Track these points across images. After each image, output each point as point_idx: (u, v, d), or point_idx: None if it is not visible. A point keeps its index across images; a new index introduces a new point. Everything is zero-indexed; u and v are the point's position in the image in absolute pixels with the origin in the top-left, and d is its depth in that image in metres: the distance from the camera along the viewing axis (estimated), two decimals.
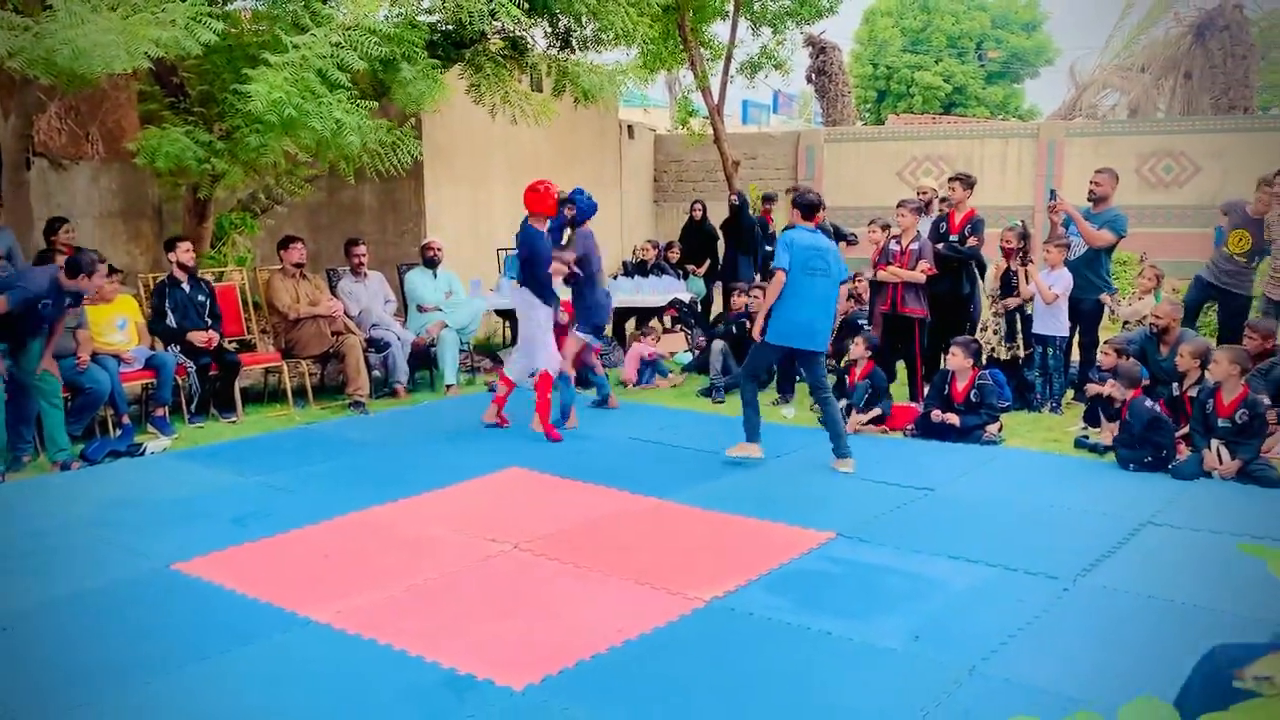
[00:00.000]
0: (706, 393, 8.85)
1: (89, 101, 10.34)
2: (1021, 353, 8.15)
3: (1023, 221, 8.92)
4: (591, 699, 3.42)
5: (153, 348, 7.66)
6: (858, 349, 7.57)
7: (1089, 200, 8.14)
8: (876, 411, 7.44)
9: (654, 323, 11.11)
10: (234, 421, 7.81)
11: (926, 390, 7.72)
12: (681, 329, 10.82)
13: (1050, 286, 7.74)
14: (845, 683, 3.56)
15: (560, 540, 5.03)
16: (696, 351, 9.96)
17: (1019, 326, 8.16)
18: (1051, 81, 56.75)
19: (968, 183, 8.40)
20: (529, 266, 7.27)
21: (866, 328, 8.93)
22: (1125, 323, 8.14)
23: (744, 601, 4.25)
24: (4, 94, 8.69)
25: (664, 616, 4.08)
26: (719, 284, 11.99)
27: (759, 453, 6.49)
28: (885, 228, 8.89)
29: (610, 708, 3.36)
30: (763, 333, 6.32)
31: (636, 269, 12.09)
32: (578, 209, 7.66)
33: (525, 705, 3.39)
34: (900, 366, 8.29)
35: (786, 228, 6.70)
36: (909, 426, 7.28)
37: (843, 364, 8.18)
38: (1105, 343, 7.49)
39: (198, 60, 7.64)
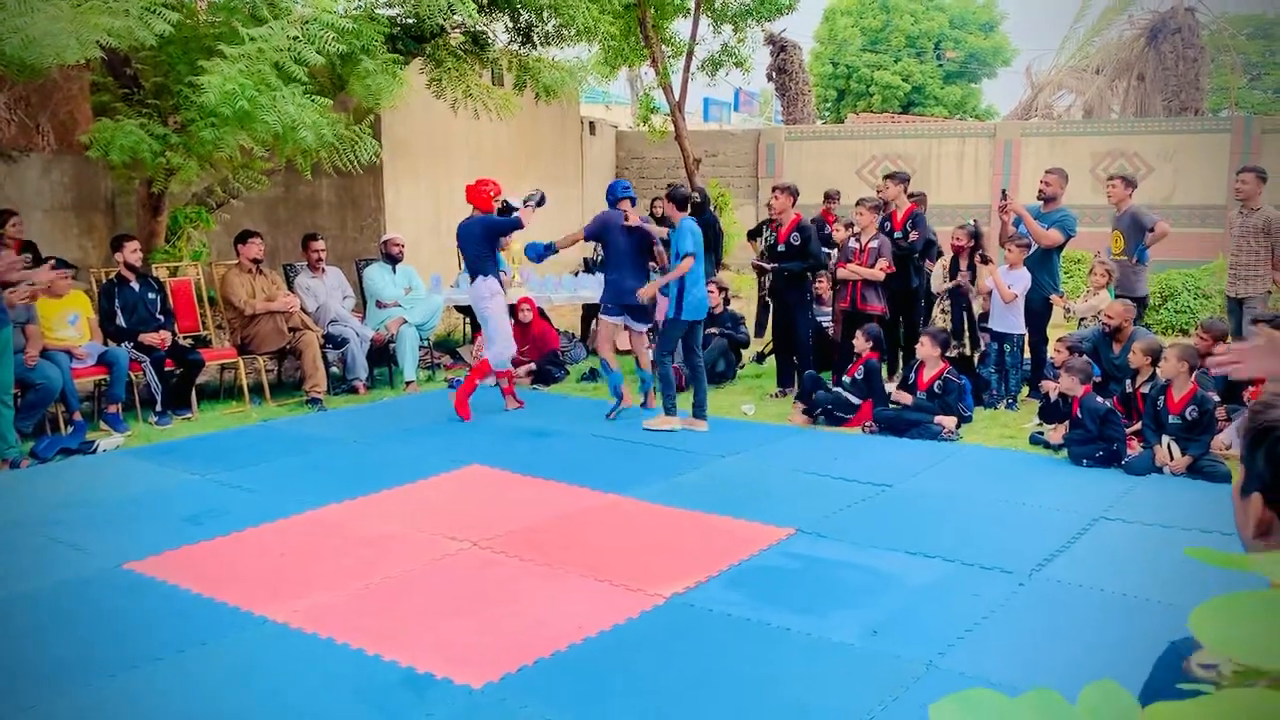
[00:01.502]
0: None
1: (39, 92, 10.14)
2: (968, 350, 8.26)
3: (975, 220, 9.02)
4: (551, 697, 3.41)
5: (105, 344, 7.53)
6: (860, 342, 7.60)
7: (1039, 199, 8.24)
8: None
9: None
10: (188, 419, 7.70)
11: (890, 386, 7.80)
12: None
13: (1010, 286, 7.83)
14: (803, 678, 3.58)
15: (520, 537, 5.02)
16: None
17: (965, 325, 8.27)
18: (1008, 82, 57.62)
19: (901, 179, 8.57)
20: (486, 244, 7.59)
21: (826, 325, 9.00)
22: (1081, 319, 8.25)
23: (703, 598, 4.26)
24: None
25: (624, 613, 4.08)
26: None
27: (679, 424, 7.26)
28: (849, 226, 8.98)
29: (570, 705, 3.35)
30: (678, 311, 7.17)
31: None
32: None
33: (484, 703, 3.37)
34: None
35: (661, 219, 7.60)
36: (868, 423, 7.34)
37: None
38: (1058, 340, 7.59)
39: (152, 51, 7.52)
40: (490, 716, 3.30)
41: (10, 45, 6.16)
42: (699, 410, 7.36)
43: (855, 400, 7.47)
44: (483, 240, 7.57)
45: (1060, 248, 8.17)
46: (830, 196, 11.71)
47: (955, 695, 1.12)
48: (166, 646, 3.79)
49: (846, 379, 7.59)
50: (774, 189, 8.35)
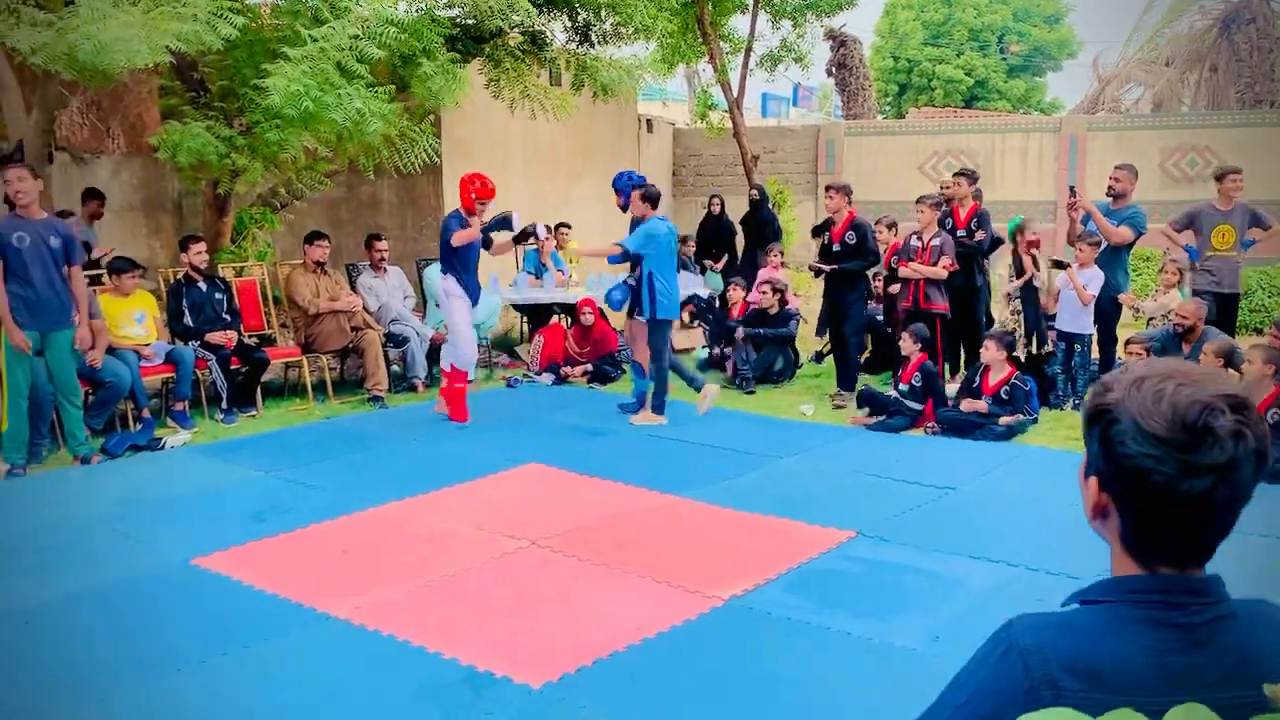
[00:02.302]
0: (731, 384, 8.83)
1: (110, 96, 10.39)
2: (1035, 350, 8.09)
3: (1024, 217, 8.90)
4: (609, 698, 3.40)
5: (172, 342, 7.68)
6: (908, 344, 7.48)
7: (1108, 196, 8.05)
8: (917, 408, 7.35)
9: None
10: (254, 416, 7.84)
11: (952, 387, 7.68)
12: (699, 324, 10.78)
13: (1084, 286, 7.64)
14: (864, 683, 3.53)
15: (578, 537, 5.02)
16: (713, 348, 9.91)
17: (1034, 325, 8.11)
18: (1074, 75, 56.48)
19: (972, 178, 8.40)
20: (446, 243, 7.37)
21: (877, 319, 8.88)
22: (1149, 319, 8.06)
23: (763, 600, 4.22)
24: (27, 89, 8.73)
25: (682, 615, 4.06)
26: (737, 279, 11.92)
27: (664, 420, 7.43)
28: (891, 226, 8.85)
29: (629, 707, 3.34)
30: (653, 312, 7.35)
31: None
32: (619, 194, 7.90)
33: (543, 703, 3.38)
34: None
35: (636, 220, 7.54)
36: (930, 424, 7.23)
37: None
38: (1128, 341, 7.41)
39: (218, 55, 7.66)
40: (550, 716, 3.30)
41: (83, 52, 6.31)
42: (659, 407, 7.55)
43: (916, 407, 7.34)
44: (445, 239, 7.33)
45: (1130, 245, 7.98)
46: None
47: (1036, 715, 1.09)
48: (232, 641, 3.85)
49: (903, 386, 7.46)
50: (827, 188, 8.26)
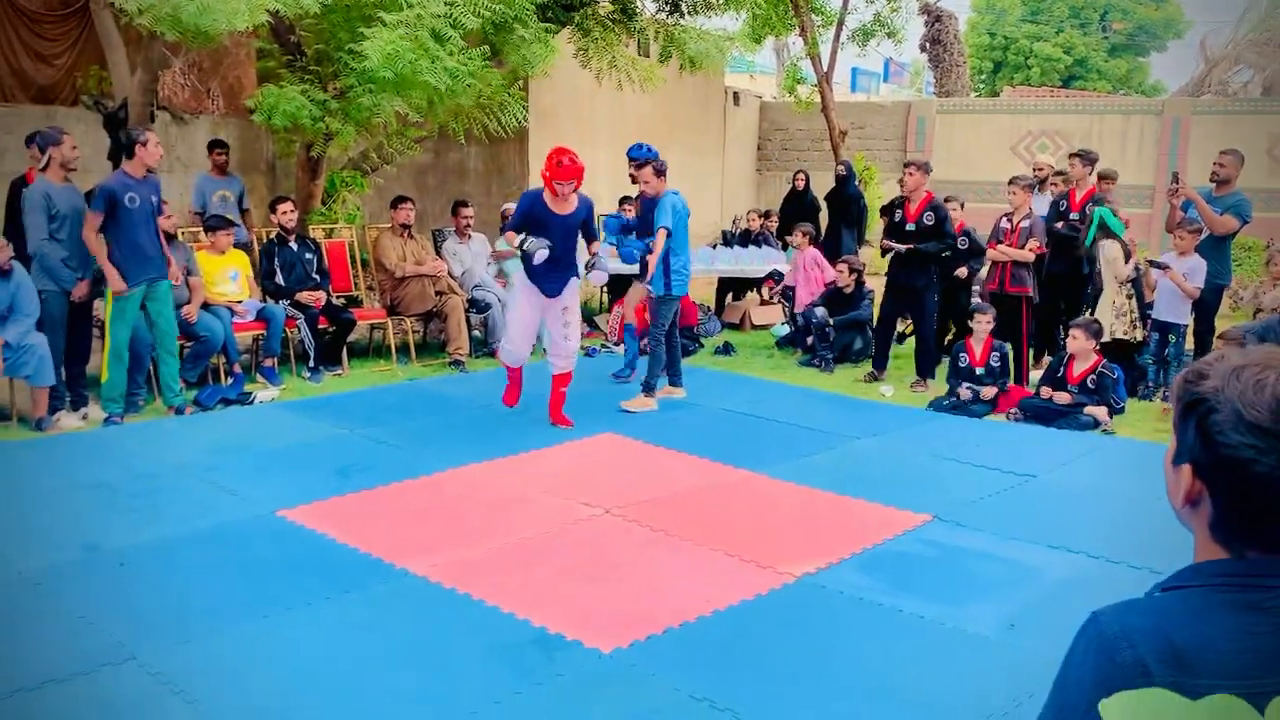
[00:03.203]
0: (809, 363, 8.77)
1: (210, 58, 10.66)
2: (1140, 337, 7.84)
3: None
4: (678, 667, 3.44)
5: (263, 300, 7.89)
6: (982, 324, 7.32)
7: (1211, 182, 7.77)
8: (993, 391, 7.20)
9: (751, 294, 11.03)
10: (339, 375, 8.03)
11: (1037, 373, 7.53)
12: (779, 301, 10.71)
13: (1185, 275, 7.39)
14: (936, 667, 3.50)
15: (651, 507, 5.05)
16: (792, 325, 9.85)
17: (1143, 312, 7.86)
18: (1180, 56, 54.39)
19: (1088, 159, 8.09)
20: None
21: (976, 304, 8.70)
22: (1257, 311, 7.76)
23: (835, 579, 4.21)
24: (132, 49, 9.00)
25: (753, 589, 4.07)
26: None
27: (655, 403, 7.15)
28: (960, 206, 8.65)
29: (697, 676, 3.37)
30: (666, 288, 7.09)
31: (738, 239, 12.00)
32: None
33: (612, 668, 3.42)
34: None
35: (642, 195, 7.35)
36: (1013, 410, 7.09)
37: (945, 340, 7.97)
38: (1219, 335, 7.15)
39: (315, 19, 7.79)
40: (618, 681, 3.35)
41: (187, 14, 6.48)
42: (675, 378, 7.46)
43: (990, 389, 7.18)
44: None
45: (1233, 235, 7.70)
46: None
47: (1128, 694, 1.08)
48: (314, 592, 3.98)
49: (979, 369, 7.31)
50: (906, 164, 7.99)
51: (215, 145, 9.00)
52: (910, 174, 7.78)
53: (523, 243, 6.11)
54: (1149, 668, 1.11)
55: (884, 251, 8.14)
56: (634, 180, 7.46)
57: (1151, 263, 7.82)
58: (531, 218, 6.29)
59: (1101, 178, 8.31)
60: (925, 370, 8.00)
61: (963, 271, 8.43)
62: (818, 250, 9.96)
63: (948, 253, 8.14)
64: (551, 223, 6.25)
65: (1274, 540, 1.15)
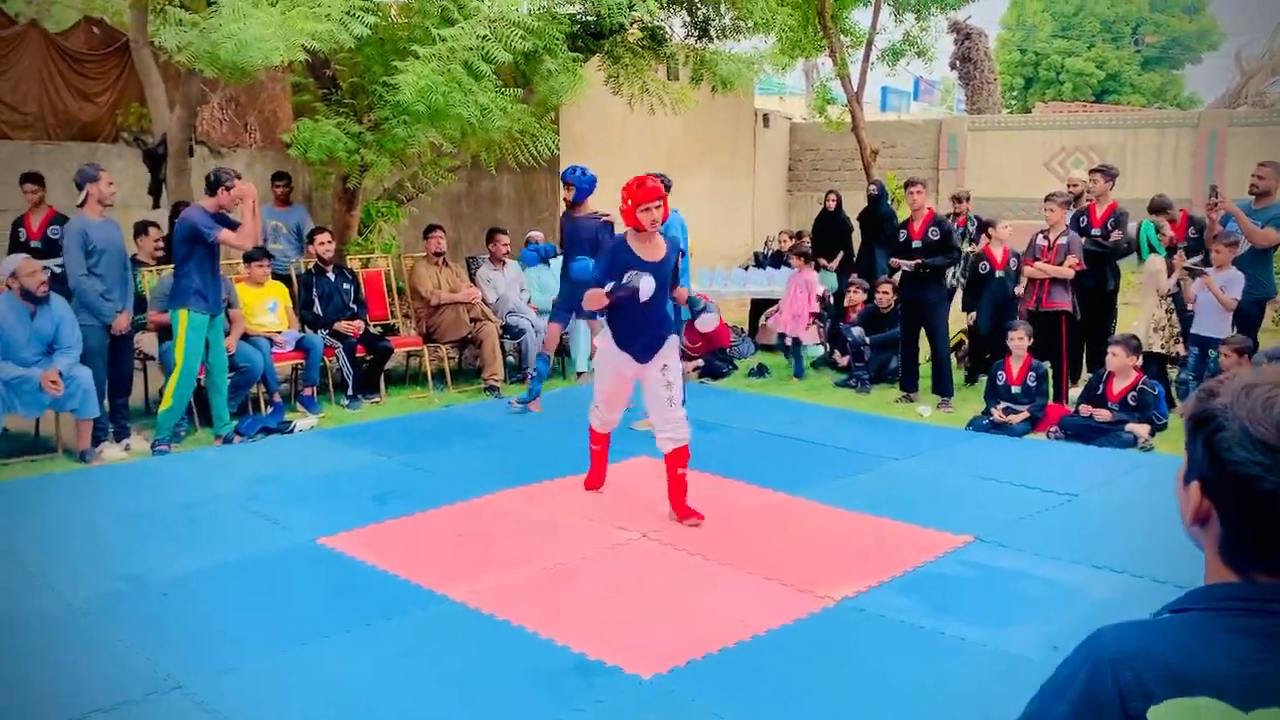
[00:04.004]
0: (845, 384, 8.74)
1: (247, 93, 10.86)
2: (1180, 352, 7.74)
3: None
4: (719, 692, 3.42)
5: (302, 330, 7.99)
6: (1020, 341, 7.28)
7: (1250, 194, 7.67)
8: (1023, 415, 7.12)
9: (815, 307, 10.97)
10: (376, 402, 8.10)
11: (1075, 391, 7.44)
12: (815, 322, 10.67)
13: (1223, 289, 7.30)
14: (978, 690, 3.46)
15: (688, 531, 5.04)
16: (827, 345, 9.81)
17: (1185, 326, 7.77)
18: (1215, 68, 53.65)
19: (1109, 174, 8.07)
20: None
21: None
22: None
23: (874, 603, 4.18)
24: (171, 87, 9.20)
25: (792, 614, 4.05)
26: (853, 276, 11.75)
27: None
28: (984, 227, 8.65)
29: (738, 703, 3.35)
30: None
31: (770, 260, 11.99)
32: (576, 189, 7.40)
33: (653, 694, 3.41)
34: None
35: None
36: (1053, 429, 7.02)
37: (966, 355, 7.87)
38: (1223, 343, 7.03)
39: (349, 53, 7.92)
40: (658, 708, 3.34)
41: (224, 50, 6.61)
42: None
43: (1026, 411, 7.12)
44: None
45: (1275, 247, 7.59)
46: (959, 199, 10.92)
47: (1178, 701, 1.07)
48: (354, 619, 4.00)
49: (1015, 388, 7.25)
50: (908, 183, 8.14)
51: (276, 178, 9.17)
52: (918, 192, 7.95)
53: (615, 287, 4.95)
54: (1150, 689, 1.10)
55: (892, 270, 8.25)
56: (568, 203, 7.40)
57: (1188, 269, 7.73)
58: (618, 270, 5.03)
59: (1154, 210, 8.20)
60: (943, 388, 7.98)
61: (898, 262, 8.11)
62: (813, 274, 9.94)
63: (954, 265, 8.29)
64: (644, 271, 5.01)
65: (1276, 561, 1.15)
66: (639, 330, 5.17)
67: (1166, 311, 7.78)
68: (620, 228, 5.48)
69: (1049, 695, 1.21)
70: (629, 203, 5.03)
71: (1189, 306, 7.73)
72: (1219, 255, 7.45)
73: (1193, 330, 7.59)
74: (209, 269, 6.52)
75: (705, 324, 5.95)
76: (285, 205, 9.09)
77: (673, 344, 5.34)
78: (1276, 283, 7.82)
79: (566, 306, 7.56)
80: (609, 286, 4.99)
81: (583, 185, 7.36)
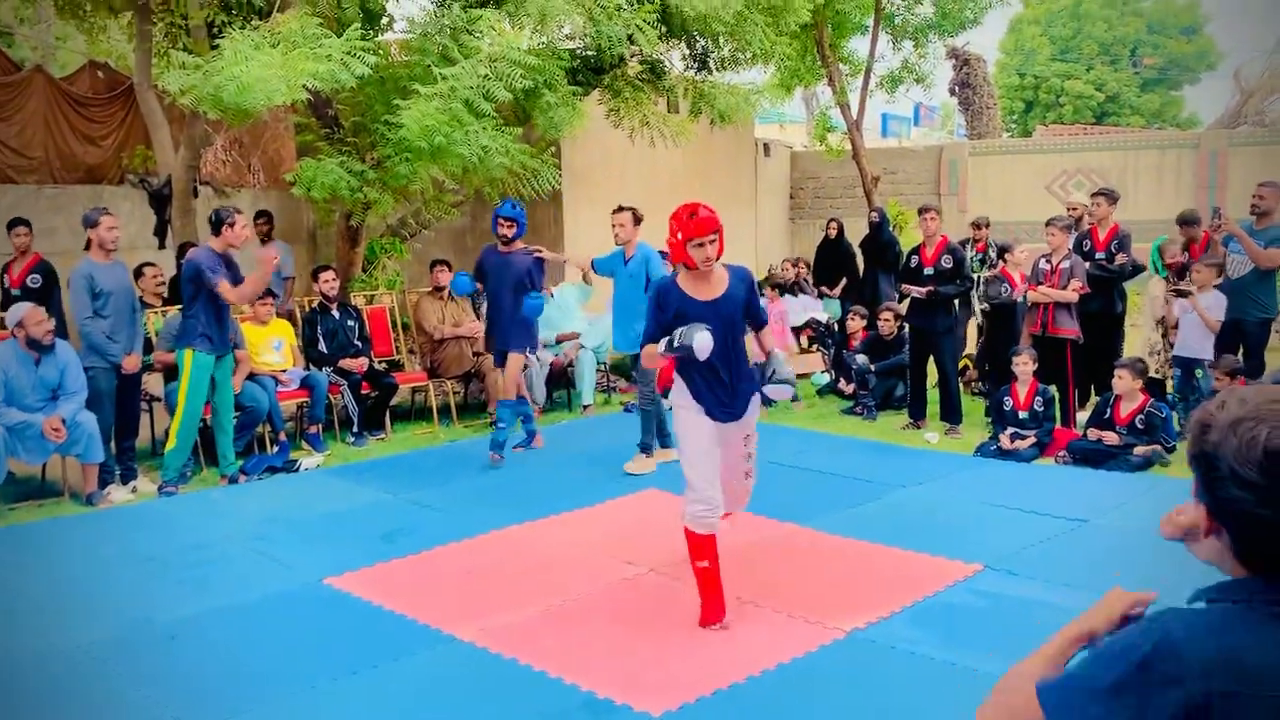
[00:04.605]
0: (851, 411, 8.72)
1: (250, 133, 10.95)
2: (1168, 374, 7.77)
3: (1169, 237, 8.54)
4: None
5: (307, 368, 8.00)
6: (1025, 366, 7.27)
7: (1251, 215, 7.67)
8: (1030, 440, 7.10)
9: (790, 343, 10.99)
10: (382, 439, 8.09)
11: (1083, 415, 7.42)
12: (818, 349, 10.68)
13: (1206, 309, 7.30)
14: None
15: None
16: (832, 373, 9.80)
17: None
18: (1214, 88, 53.90)
19: (1112, 198, 8.09)
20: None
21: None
22: None
23: (886, 634, 4.14)
24: (175, 128, 9.28)
25: (803, 646, 4.01)
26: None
27: (654, 467, 6.85)
28: (1002, 253, 8.65)
29: None
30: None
31: (773, 288, 11.98)
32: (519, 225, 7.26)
33: None
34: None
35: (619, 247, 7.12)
36: (1061, 453, 6.98)
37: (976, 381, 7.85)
38: (1210, 364, 7.02)
39: (351, 93, 7.97)
40: None
41: (227, 92, 6.66)
42: (649, 447, 7.01)
43: (1033, 436, 7.09)
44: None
45: (1278, 268, 7.58)
46: (979, 224, 10.80)
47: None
48: (362, 661, 3.98)
49: (1023, 414, 7.23)
50: (921, 210, 8.12)
51: (258, 216, 9.22)
52: (932, 219, 7.91)
53: (670, 343, 4.12)
54: (1211, 672, 1.22)
55: (902, 296, 8.26)
56: (506, 239, 7.18)
57: (1175, 291, 7.74)
58: (668, 315, 4.24)
59: (1181, 223, 8.23)
60: (951, 415, 7.96)
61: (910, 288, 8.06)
62: (784, 308, 9.92)
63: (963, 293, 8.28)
64: (703, 315, 4.21)
65: None
66: (710, 385, 4.28)
67: (1162, 335, 7.80)
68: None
69: (1103, 657, 1.35)
70: (678, 236, 4.22)
71: (1169, 329, 7.73)
72: (1200, 275, 7.46)
73: (1175, 352, 7.59)
74: (215, 310, 6.54)
75: (777, 393, 4.53)
76: (265, 243, 9.15)
77: (757, 404, 4.48)
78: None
79: (515, 346, 7.16)
80: (663, 344, 4.15)
81: (523, 221, 7.27)
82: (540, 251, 7.30)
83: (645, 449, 7.01)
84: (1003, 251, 9.27)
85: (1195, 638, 1.25)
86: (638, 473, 6.82)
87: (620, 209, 7.19)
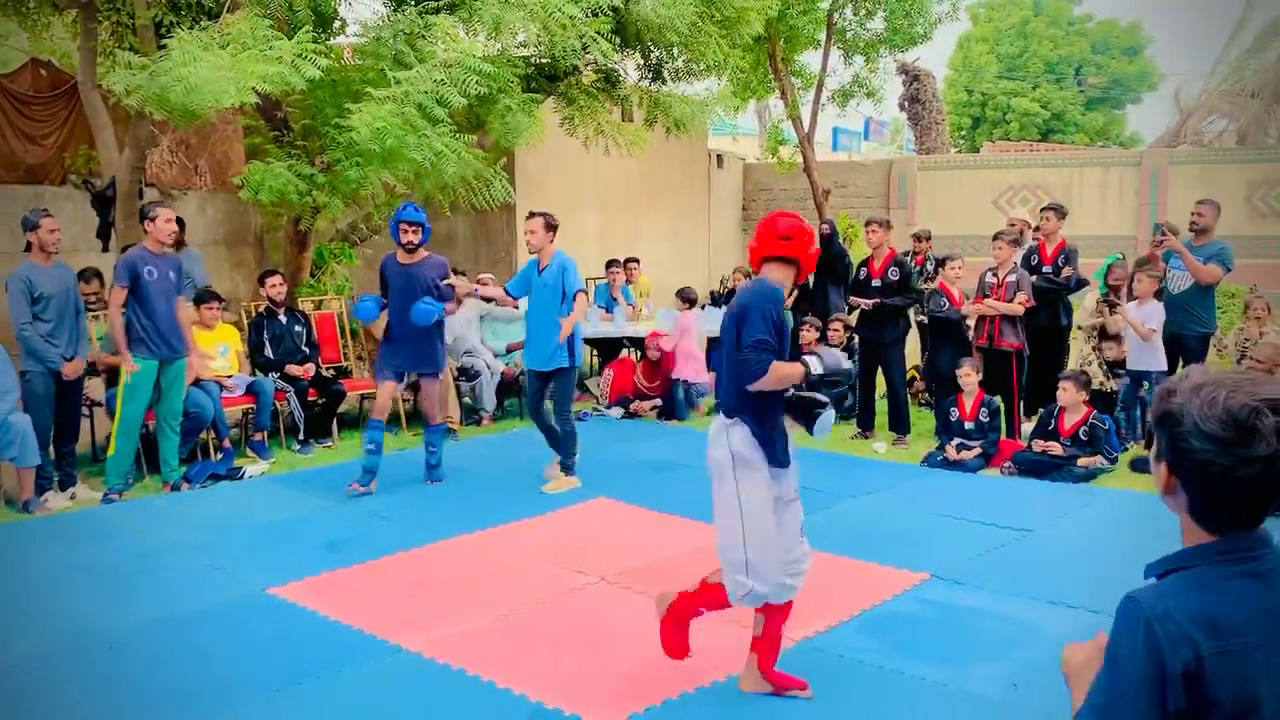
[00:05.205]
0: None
1: (198, 134, 10.77)
2: (1113, 387, 7.91)
3: (1123, 255, 8.68)
4: None
5: (252, 374, 7.87)
6: (969, 377, 7.36)
7: (1190, 231, 7.86)
8: (976, 451, 7.20)
9: (699, 354, 10.90)
10: (329, 447, 7.98)
11: (1028, 426, 7.53)
12: None
13: (1144, 322, 7.46)
14: None
15: (646, 574, 5.00)
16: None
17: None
18: (1155, 107, 55.34)
19: (1061, 213, 8.25)
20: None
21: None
22: (1240, 358, 7.81)
23: (834, 643, 4.16)
24: (120, 128, 9.10)
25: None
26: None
27: (578, 482, 6.69)
28: (940, 264, 8.73)
29: None
30: (570, 358, 6.56)
31: (725, 298, 12.03)
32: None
33: None
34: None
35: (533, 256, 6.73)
36: (1007, 464, 7.08)
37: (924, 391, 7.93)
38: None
39: (301, 95, 7.88)
40: None
41: (174, 93, 6.55)
42: (570, 466, 6.75)
43: (979, 447, 7.19)
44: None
45: (1216, 282, 7.77)
46: (920, 237, 10.98)
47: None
48: (306, 672, 3.91)
49: (968, 424, 7.33)
50: (867, 222, 8.25)
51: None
52: (874, 231, 8.05)
53: (807, 379, 3.56)
54: (1193, 637, 1.37)
55: (851, 309, 8.36)
56: (411, 246, 6.59)
57: (1108, 303, 7.90)
58: (778, 335, 3.55)
59: (1139, 265, 8.41)
60: (899, 426, 8.07)
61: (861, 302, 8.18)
62: (691, 320, 9.72)
63: (913, 306, 8.38)
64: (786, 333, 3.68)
65: (1241, 520, 1.44)
66: (779, 419, 3.62)
67: (1094, 349, 7.95)
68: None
69: (1113, 666, 1.43)
70: (810, 250, 3.71)
71: (1112, 346, 7.89)
72: (1141, 285, 7.61)
73: (1129, 365, 7.73)
74: (150, 311, 6.34)
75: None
76: (179, 249, 8.96)
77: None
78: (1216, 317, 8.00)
79: (428, 369, 6.83)
80: (814, 363, 3.52)
81: (428, 226, 6.73)
82: (453, 283, 6.75)
83: (566, 468, 6.76)
84: (940, 264, 9.39)
85: (1169, 608, 1.40)
86: (558, 491, 6.60)
87: (532, 214, 6.61)
